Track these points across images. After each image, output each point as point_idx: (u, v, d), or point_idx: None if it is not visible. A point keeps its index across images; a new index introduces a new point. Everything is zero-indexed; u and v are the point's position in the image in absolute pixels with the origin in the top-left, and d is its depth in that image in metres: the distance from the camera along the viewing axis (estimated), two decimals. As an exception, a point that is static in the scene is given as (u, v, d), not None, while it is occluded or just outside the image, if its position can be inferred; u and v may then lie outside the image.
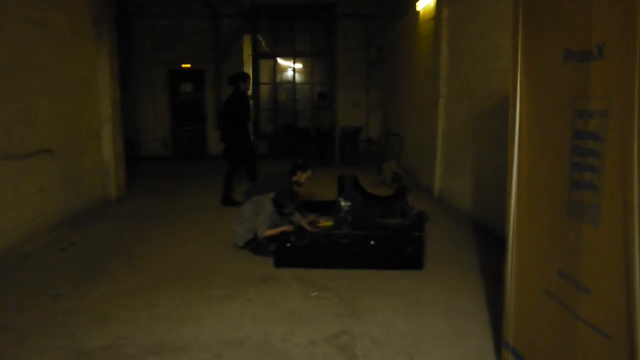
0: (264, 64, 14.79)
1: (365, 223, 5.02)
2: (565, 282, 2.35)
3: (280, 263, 5.05)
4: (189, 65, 13.97)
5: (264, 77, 14.92)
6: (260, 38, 14.54)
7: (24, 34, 5.77)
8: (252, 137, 8.15)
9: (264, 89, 14.96)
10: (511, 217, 2.83)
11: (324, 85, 14.83)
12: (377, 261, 4.97)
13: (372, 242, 4.95)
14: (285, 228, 5.35)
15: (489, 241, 5.96)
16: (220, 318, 3.94)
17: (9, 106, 5.45)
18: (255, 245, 5.49)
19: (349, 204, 4.98)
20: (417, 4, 9.55)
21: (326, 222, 5.92)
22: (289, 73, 15.02)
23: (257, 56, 14.46)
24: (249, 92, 11.07)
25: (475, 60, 6.74)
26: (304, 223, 5.58)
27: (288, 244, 5.03)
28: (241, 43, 13.94)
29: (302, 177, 6.06)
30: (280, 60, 14.91)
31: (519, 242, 2.81)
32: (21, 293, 4.47)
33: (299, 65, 15.01)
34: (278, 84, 14.99)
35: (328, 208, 6.32)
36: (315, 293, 4.43)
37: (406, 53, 10.83)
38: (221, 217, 7.10)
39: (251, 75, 13.87)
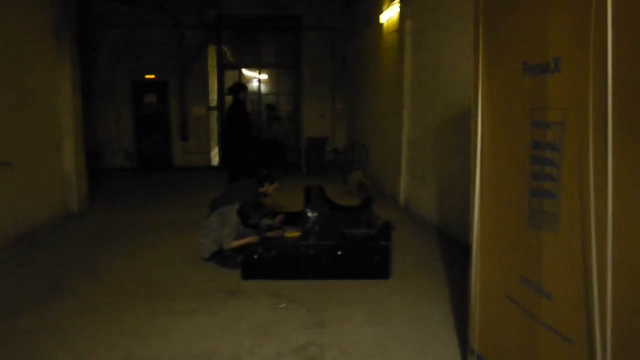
0: (229, 75, 14.72)
1: (332, 233, 5.03)
2: (527, 288, 2.41)
3: (247, 275, 5.02)
4: (152, 76, 13.80)
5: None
6: (225, 49, 14.49)
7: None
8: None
9: (229, 100, 14.85)
10: (475, 225, 2.89)
11: (290, 96, 14.88)
12: (345, 271, 4.99)
13: (339, 252, 4.97)
14: (251, 239, 5.33)
15: (453, 249, 6.05)
16: (186, 332, 3.88)
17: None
18: (221, 257, 5.44)
19: (315, 214, 4.99)
20: (381, 16, 9.69)
21: (293, 233, 5.91)
22: (254, 84, 15.00)
23: (222, 67, 14.40)
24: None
25: (438, 72, 6.87)
26: (271, 233, 5.56)
27: (255, 256, 5.00)
28: (206, 54, 13.87)
29: (269, 188, 6.05)
30: (245, 72, 14.87)
31: (483, 249, 2.87)
32: (-22, 312, 4.32)
33: (264, 77, 15.01)
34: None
35: (294, 219, 6.33)
36: (283, 305, 4.41)
37: (371, 64, 10.96)
38: (186, 230, 7.01)
39: (215, 87, 13.89)
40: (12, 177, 6.18)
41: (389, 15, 9.20)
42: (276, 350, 3.58)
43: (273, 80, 15.04)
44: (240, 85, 8.33)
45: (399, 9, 8.44)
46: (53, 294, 4.72)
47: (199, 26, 13.64)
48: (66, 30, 7.65)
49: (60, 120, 7.64)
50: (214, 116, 14.24)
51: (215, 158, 14.33)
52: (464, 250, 5.78)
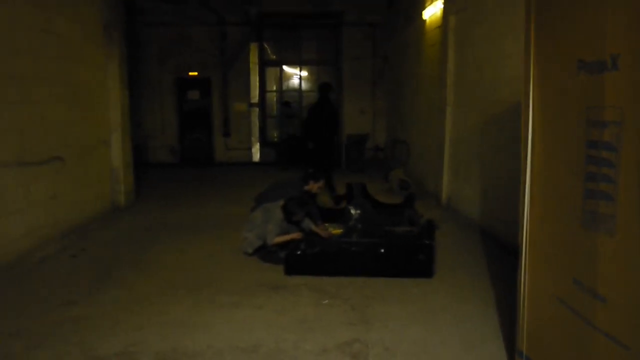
0: (270, 72, 14.86)
1: (375, 231, 5.03)
2: (580, 291, 2.36)
3: (290, 270, 5.07)
4: (196, 73, 14.04)
5: (270, 85, 14.97)
6: (267, 46, 14.62)
7: (36, 43, 5.83)
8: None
9: (270, 97, 15.01)
10: (524, 225, 2.85)
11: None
12: (387, 269, 4.98)
13: (382, 250, 4.96)
14: (294, 235, 5.38)
15: (497, 249, 5.96)
16: (231, 325, 3.96)
17: (22, 114, 5.51)
18: (264, 252, 5.51)
19: (358, 211, 5.00)
20: (424, 12, 9.60)
21: (336, 230, 5.93)
22: (295, 81, 15.08)
23: (263, 64, 14.53)
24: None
25: (482, 69, 6.76)
26: (314, 228, 5.59)
27: (298, 252, 5.05)
28: (248, 51, 14.04)
29: (314, 186, 6.08)
30: (286, 68, 14.97)
31: (532, 250, 2.82)
32: (34, 299, 4.50)
33: (305, 73, 15.07)
34: (284, 92, 15.04)
35: (336, 215, 6.36)
36: (327, 301, 4.44)
37: (412, 61, 10.87)
38: (228, 225, 7.12)
39: (257, 84, 14.05)
40: (64, 171, 6.39)
41: (432, 12, 9.10)
42: (320, 346, 3.61)
43: (314, 77, 15.07)
44: (330, 85, 8.67)
45: (442, 5, 8.33)
46: (103, 284, 4.88)
47: (241, 24, 13.80)
48: (115, 27, 7.86)
49: (109, 116, 7.87)
50: (255, 112, 14.41)
51: (256, 154, 14.48)
52: (509, 250, 5.71)
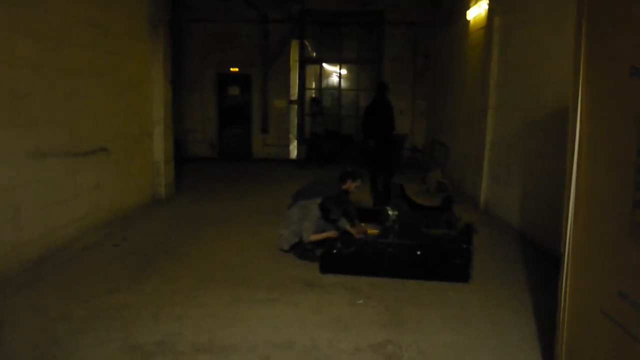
0: (310, 69, 14.91)
1: (412, 233, 5.01)
2: (626, 305, 2.31)
3: (325, 269, 5.10)
4: (237, 69, 14.20)
5: (310, 82, 15.02)
6: (307, 43, 14.65)
7: (88, 37, 6.01)
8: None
9: (310, 94, 15.06)
10: (568, 233, 2.80)
11: (369, 92, 14.82)
12: (423, 272, 4.96)
13: (418, 252, 4.94)
14: (330, 234, 5.40)
15: (536, 255, 5.87)
16: (267, 320, 4.01)
17: (73, 106, 5.69)
18: (300, 250, 5.55)
19: (396, 213, 4.99)
20: (468, 12, 9.47)
21: (372, 230, 5.93)
22: (335, 79, 15.09)
23: (303, 61, 14.57)
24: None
25: (527, 72, 6.64)
26: (349, 228, 5.60)
27: (334, 250, 5.07)
28: (289, 48, 14.10)
29: (351, 185, 6.08)
30: (326, 66, 14.99)
31: (575, 259, 2.77)
32: (78, 286, 4.64)
33: (344, 72, 15.07)
34: (323, 90, 15.07)
35: (373, 215, 6.36)
36: (361, 301, 4.45)
37: (455, 62, 10.75)
38: (265, 221, 7.20)
39: (296, 82, 14.13)
40: (109, 162, 6.58)
41: (476, 12, 8.97)
42: (354, 345, 3.63)
43: (353, 76, 15.05)
44: (385, 84, 8.82)
45: (487, 6, 8.21)
46: (144, 273, 5.01)
47: (283, 21, 13.88)
48: (160, 22, 8.02)
49: (152, 109, 8.04)
50: (294, 110, 14.48)
51: (293, 151, 14.57)
52: (548, 257, 5.61)
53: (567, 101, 5.50)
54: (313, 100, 13.68)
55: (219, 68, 14.24)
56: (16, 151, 4.75)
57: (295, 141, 14.61)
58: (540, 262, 5.62)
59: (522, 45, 6.81)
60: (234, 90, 14.47)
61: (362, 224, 6.15)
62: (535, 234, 6.22)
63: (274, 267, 5.31)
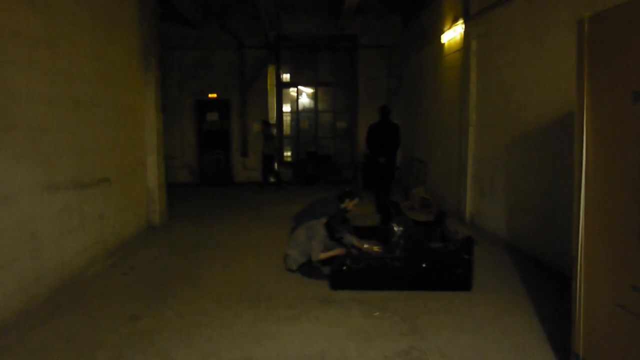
0: (287, 93, 15.25)
1: (416, 247, 5.32)
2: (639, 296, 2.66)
3: (336, 285, 5.35)
4: (215, 95, 14.42)
5: (287, 105, 15.34)
6: (284, 68, 15.01)
7: (92, 70, 6.19)
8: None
9: (287, 117, 15.38)
10: (580, 238, 3.14)
11: (344, 113, 15.24)
12: (428, 283, 5.27)
13: (423, 265, 5.25)
14: (338, 251, 5.66)
15: (527, 263, 6.25)
16: (294, 335, 4.23)
17: (79, 137, 5.84)
18: (308, 269, 5.79)
19: (402, 228, 5.29)
20: (442, 36, 9.98)
21: (372, 247, 6.20)
22: (311, 102, 15.46)
23: (280, 85, 14.92)
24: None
25: (508, 92, 7.10)
26: (356, 242, 5.86)
27: (344, 267, 5.33)
28: (265, 73, 14.42)
29: (349, 204, 6.37)
30: (302, 89, 15.36)
31: (588, 260, 3.12)
32: (101, 314, 4.76)
33: (320, 94, 15.45)
34: (300, 112, 15.41)
35: (369, 233, 6.64)
36: (377, 313, 4.72)
37: (430, 83, 11.24)
38: (262, 242, 7.42)
39: (274, 105, 14.42)
40: (111, 192, 6.71)
41: (451, 36, 9.48)
42: (382, 354, 3.89)
43: (329, 98, 15.45)
44: (388, 107, 9.96)
45: (462, 30, 8.71)
46: (160, 299, 5.15)
47: (259, 47, 14.22)
48: (151, 54, 8.23)
49: (146, 139, 8.21)
50: (272, 133, 14.73)
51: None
52: (539, 265, 6.00)
53: (549, 119, 5.96)
54: (264, 122, 13.69)
55: (197, 94, 14.45)
56: (34, 184, 4.88)
57: (275, 164, 14.85)
58: (531, 270, 6.00)
59: (503, 68, 7.27)
60: (212, 116, 14.67)
61: (361, 241, 6.41)
62: (524, 244, 6.61)
63: (287, 286, 5.53)
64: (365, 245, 5.98)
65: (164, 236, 8.00)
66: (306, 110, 15.48)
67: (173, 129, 14.38)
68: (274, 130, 14.08)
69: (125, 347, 4.05)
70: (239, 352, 3.93)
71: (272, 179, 13.45)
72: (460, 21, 8.73)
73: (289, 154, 15.49)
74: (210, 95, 14.44)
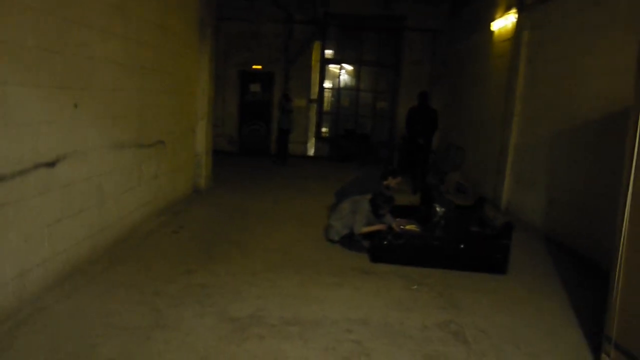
0: (330, 70, 15.40)
1: (457, 228, 5.53)
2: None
3: (376, 258, 5.61)
4: (259, 67, 14.65)
5: (328, 82, 15.51)
6: (329, 44, 15.13)
7: (156, 38, 6.48)
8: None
9: (328, 94, 15.56)
10: (623, 230, 3.33)
11: (385, 94, 15.35)
12: (465, 263, 5.49)
13: (462, 246, 5.47)
14: (379, 227, 5.91)
15: (562, 254, 6.40)
16: (338, 301, 4.51)
17: (142, 101, 6.16)
18: (349, 241, 6.06)
19: (444, 209, 5.51)
20: (492, 24, 9.98)
21: (410, 226, 6.43)
22: (353, 80, 15.59)
23: (324, 61, 15.07)
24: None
25: (557, 84, 7.16)
26: (394, 225, 6.11)
27: (385, 242, 5.58)
28: (311, 48, 14.58)
29: (392, 181, 6.60)
30: (345, 67, 15.48)
31: (629, 250, 3.30)
32: (157, 267, 5.12)
33: (363, 73, 15.57)
34: (341, 90, 15.57)
35: (408, 212, 6.86)
36: (415, 287, 4.97)
37: (475, 70, 11.27)
38: (302, 213, 7.73)
39: (317, 81, 14.61)
40: (165, 155, 7.05)
41: (502, 24, 9.49)
42: (421, 323, 4.15)
43: (372, 78, 15.54)
44: (426, 92, 10.51)
45: (514, 19, 8.73)
46: (210, 257, 5.49)
47: (307, 22, 14.35)
48: (208, 24, 8.49)
49: (197, 105, 8.52)
50: (313, 108, 14.96)
51: (311, 149, 15.06)
52: (576, 257, 6.16)
53: (600, 114, 6.01)
54: (283, 95, 13.80)
55: (242, 66, 14.69)
56: (103, 141, 5.22)
57: (314, 138, 15.11)
58: (566, 260, 6.16)
59: (554, 60, 7.31)
60: (255, 87, 14.92)
61: (399, 219, 6.64)
62: (560, 235, 6.74)
63: (328, 255, 5.81)
64: (402, 226, 6.21)
65: (210, 200, 8.35)
66: (347, 88, 15.63)
67: (216, 98, 14.67)
68: (305, 103, 14.19)
69: (182, 297, 4.40)
70: (287, 310, 4.24)
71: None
72: (513, 10, 8.74)
73: (326, 130, 15.72)
74: (254, 67, 14.68)
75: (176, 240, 6.12)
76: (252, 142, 15.04)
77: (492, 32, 10.12)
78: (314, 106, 14.98)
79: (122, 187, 5.74)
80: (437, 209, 5.54)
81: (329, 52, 15.21)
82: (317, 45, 14.64)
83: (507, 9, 9.11)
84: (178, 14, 7.34)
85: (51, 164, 4.24)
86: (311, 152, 15.08)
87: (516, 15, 8.64)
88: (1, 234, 3.65)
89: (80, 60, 4.68)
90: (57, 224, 4.39)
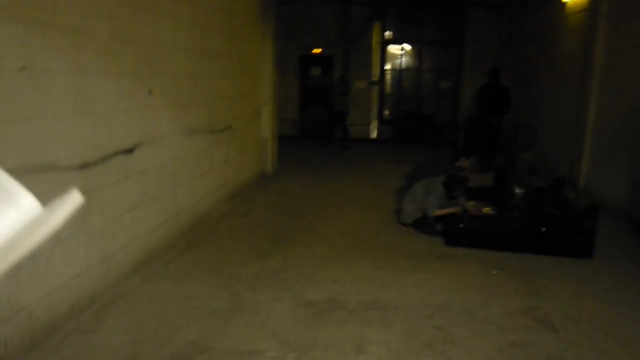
0: (390, 51, 15.11)
1: (537, 210, 5.28)
2: None
3: (451, 242, 5.45)
4: (319, 50, 14.54)
5: (389, 63, 15.22)
6: (388, 25, 14.82)
7: (221, 23, 6.51)
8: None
9: (389, 75, 15.29)
10: None
11: (448, 74, 14.92)
12: (546, 247, 5.23)
13: (543, 229, 5.21)
14: (454, 209, 5.73)
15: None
16: (416, 285, 4.40)
17: (211, 86, 6.21)
18: (422, 224, 5.91)
19: (523, 191, 5.26)
20: (564, -6, 9.47)
21: (486, 209, 6.20)
22: (414, 60, 15.24)
23: (383, 43, 14.79)
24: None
25: (638, 56, 6.69)
26: (469, 207, 5.90)
27: (461, 225, 5.41)
28: (370, 30, 14.35)
29: (466, 162, 6.39)
30: (406, 47, 15.15)
31: None
32: (231, 250, 5.18)
33: (424, 53, 15.19)
34: (403, 71, 15.26)
35: (482, 193, 6.62)
36: (495, 271, 4.78)
37: (545, 45, 10.73)
38: (370, 196, 7.62)
39: (378, 62, 14.36)
40: (233, 140, 7.11)
41: (577, -6, 8.97)
42: (505, 309, 3.98)
43: (433, 57, 15.15)
44: (497, 69, 10.44)
45: (591, -12, 8.22)
46: (281, 241, 5.50)
47: (365, 3, 14.09)
48: (269, 8, 8.46)
49: (262, 90, 8.54)
50: (375, 90, 14.75)
51: (373, 131, 14.88)
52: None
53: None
54: (340, 77, 13.54)
55: (301, 49, 14.62)
56: (176, 127, 5.28)
57: (375, 121, 14.91)
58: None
59: (635, 30, 6.84)
60: (315, 71, 14.85)
61: (474, 202, 6.42)
62: (646, 216, 6.35)
63: (401, 238, 5.70)
64: (478, 207, 5.99)
65: (276, 184, 8.38)
66: (409, 68, 15.29)
67: (277, 83, 14.73)
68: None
69: (258, 280, 4.41)
70: (365, 294, 4.17)
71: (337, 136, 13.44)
72: (590, -22, 8.23)
73: (387, 112, 15.47)
74: (314, 51, 14.59)
75: (247, 224, 6.17)
76: (314, 126, 14.99)
77: (563, 4, 9.58)
78: (376, 88, 14.75)
79: (195, 173, 5.81)
80: (517, 190, 5.31)
81: (388, 33, 14.89)
82: (376, 26, 14.37)
83: (583, -22, 8.59)
84: (238, 1, 7.32)
85: (129, 151, 4.32)
86: (374, 134, 14.90)
87: (594, -16, 8.12)
88: (87, 219, 3.74)
89: (152, 48, 4.73)
90: (136, 209, 4.49)
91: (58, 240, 3.38)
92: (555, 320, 3.84)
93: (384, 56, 14.87)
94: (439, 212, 5.74)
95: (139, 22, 4.47)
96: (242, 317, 3.74)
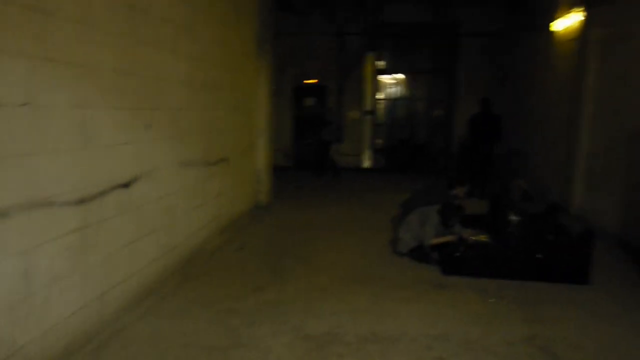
0: (383, 80, 15.29)
1: (533, 237, 5.29)
2: None
3: (448, 270, 5.43)
4: (315, 81, 14.66)
5: (383, 93, 15.39)
6: (382, 55, 15.02)
7: (218, 56, 6.57)
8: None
9: (382, 105, 15.43)
10: None
11: (441, 102, 15.08)
12: (543, 274, 5.22)
13: (539, 256, 5.21)
14: (450, 238, 5.73)
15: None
16: (415, 316, 4.37)
17: (206, 118, 6.23)
18: (418, 253, 5.89)
19: (519, 218, 5.28)
20: (553, 23, 9.65)
21: (480, 236, 6.19)
22: (407, 89, 15.42)
23: (377, 72, 14.97)
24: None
25: (632, 83, 6.79)
26: (464, 235, 5.90)
27: (457, 253, 5.40)
28: (363, 60, 14.52)
29: (461, 190, 6.39)
30: (399, 76, 15.33)
31: None
32: (227, 284, 5.11)
33: (417, 82, 15.38)
34: (395, 100, 15.41)
35: (476, 221, 6.62)
36: (493, 299, 4.76)
37: (536, 72, 10.92)
38: (364, 226, 7.61)
39: (371, 92, 14.53)
40: (227, 172, 7.10)
41: (565, 24, 9.14)
42: (505, 339, 3.95)
43: (426, 86, 15.32)
44: (489, 99, 10.46)
45: (581, 17, 8.37)
46: (277, 273, 5.44)
47: (358, 34, 14.30)
48: (266, 41, 8.57)
49: (257, 121, 8.58)
50: (367, 120, 14.86)
51: (366, 161, 14.95)
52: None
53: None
54: (330, 109, 14.17)
55: (296, 80, 14.75)
56: (171, 160, 5.28)
57: (368, 150, 15.00)
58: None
59: (628, 59, 6.95)
60: (309, 101, 14.97)
61: (469, 230, 6.42)
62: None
63: (398, 268, 5.67)
64: (473, 238, 5.99)
65: (271, 216, 8.36)
66: (402, 97, 15.45)
67: (272, 114, 14.84)
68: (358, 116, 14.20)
69: (255, 314, 4.35)
70: (363, 327, 4.12)
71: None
72: (579, 8, 8.39)
73: (381, 141, 15.56)
74: (308, 81, 14.72)
75: (241, 257, 6.13)
76: (307, 155, 15.03)
77: (552, 33, 9.77)
78: (369, 118, 14.87)
79: (190, 206, 5.79)
80: (512, 217, 5.32)
81: (381, 63, 15.10)
82: (370, 56, 14.56)
83: (571, 7, 8.76)
84: (238, 32, 7.43)
85: (126, 185, 4.31)
86: (366, 164, 14.96)
87: (583, 13, 8.28)
88: (83, 256, 3.71)
89: (152, 81, 4.76)
90: (133, 244, 4.45)
91: (54, 278, 3.35)
92: (557, 348, 3.82)
93: (376, 86, 15.04)
94: (436, 240, 5.73)
95: (140, 56, 4.50)
96: (242, 354, 3.68)
